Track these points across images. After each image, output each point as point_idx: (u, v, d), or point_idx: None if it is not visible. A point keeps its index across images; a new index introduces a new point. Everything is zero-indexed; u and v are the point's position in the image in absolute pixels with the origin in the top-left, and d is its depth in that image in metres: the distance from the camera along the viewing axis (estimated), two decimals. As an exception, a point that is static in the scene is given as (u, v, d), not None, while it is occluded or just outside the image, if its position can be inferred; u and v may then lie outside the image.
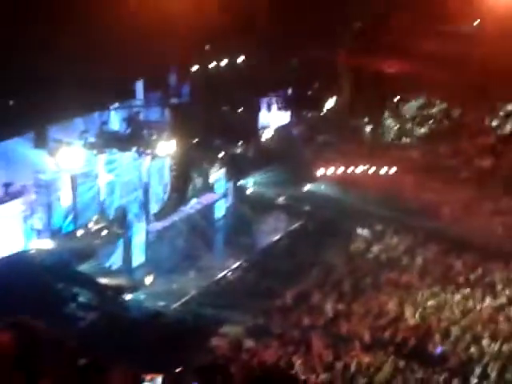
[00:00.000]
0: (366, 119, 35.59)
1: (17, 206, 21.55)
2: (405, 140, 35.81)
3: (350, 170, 32.37)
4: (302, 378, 18.54)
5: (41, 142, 21.83)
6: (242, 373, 15.10)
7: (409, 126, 36.08)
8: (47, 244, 22.31)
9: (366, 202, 29.60)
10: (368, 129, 35.58)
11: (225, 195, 29.21)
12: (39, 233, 22.56)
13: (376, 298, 24.19)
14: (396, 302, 23.81)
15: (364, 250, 27.99)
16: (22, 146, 21.56)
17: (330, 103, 33.17)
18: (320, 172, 32.25)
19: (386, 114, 35.90)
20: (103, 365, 8.58)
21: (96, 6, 20.73)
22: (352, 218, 29.19)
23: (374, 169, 32.58)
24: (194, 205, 27.59)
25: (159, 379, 13.29)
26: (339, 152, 32.82)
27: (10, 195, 21.27)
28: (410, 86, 34.03)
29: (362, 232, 28.99)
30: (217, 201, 28.66)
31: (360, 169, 32.51)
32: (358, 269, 26.35)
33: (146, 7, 22.83)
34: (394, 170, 32.74)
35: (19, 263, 20.46)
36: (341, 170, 32.29)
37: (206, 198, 28.25)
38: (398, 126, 36.04)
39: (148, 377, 13.11)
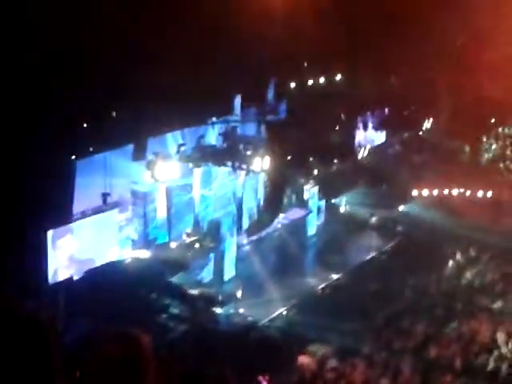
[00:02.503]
0: (464, 141, 35.02)
1: (113, 216, 21.97)
2: (503, 164, 35.05)
3: (445, 192, 31.88)
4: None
5: (139, 153, 22.25)
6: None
7: (508, 148, 35.32)
8: (141, 254, 22.69)
9: (461, 225, 29.06)
10: (466, 150, 34.99)
11: (316, 212, 29.14)
12: (134, 243, 22.97)
13: (468, 324, 23.68)
14: (489, 329, 23.25)
15: (457, 275, 27.46)
16: (121, 158, 22.01)
17: (427, 123, 32.81)
18: (415, 193, 31.88)
19: (485, 136, 35.24)
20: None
21: (200, 20, 21.03)
22: (446, 242, 28.68)
23: (470, 192, 32.00)
24: (281, 220, 27.62)
25: None
26: (435, 173, 32.35)
27: (107, 205, 21.69)
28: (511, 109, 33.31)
29: (456, 256, 28.45)
30: (304, 217, 28.58)
31: (456, 191, 31.99)
32: (450, 293, 25.87)
33: (246, 22, 23.00)
34: (491, 193, 32.07)
35: (113, 272, 20.86)
36: (436, 191, 31.83)
37: (294, 214, 28.25)
38: (496, 148, 35.34)
39: None
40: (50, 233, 19.52)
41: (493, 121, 35.29)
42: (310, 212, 28.67)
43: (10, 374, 3.58)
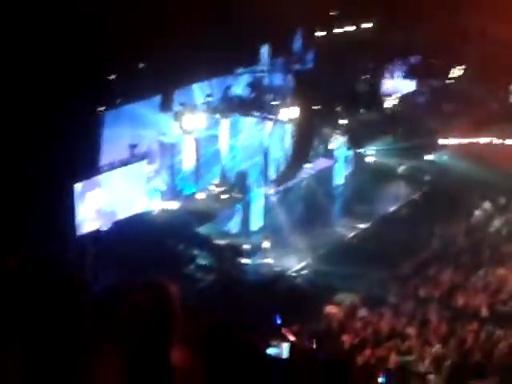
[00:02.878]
0: (494, 88, 34.52)
1: (141, 168, 22.10)
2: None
3: (474, 140, 31.61)
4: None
5: (166, 104, 22.33)
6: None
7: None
8: (169, 205, 22.84)
9: (490, 173, 28.82)
10: (497, 98, 34.49)
11: (344, 162, 29.07)
12: (162, 194, 23.12)
13: (495, 272, 23.67)
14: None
15: (485, 223, 27.37)
16: (148, 109, 22.06)
17: (458, 71, 32.43)
18: (443, 141, 31.66)
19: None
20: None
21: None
22: (474, 190, 28.51)
23: (500, 139, 31.69)
24: (307, 169, 27.58)
25: (286, 345, 13.35)
26: (464, 121, 32.03)
27: (135, 156, 21.82)
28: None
29: (484, 204, 28.31)
30: (331, 167, 28.51)
31: (485, 139, 31.70)
32: (478, 242, 25.82)
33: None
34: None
35: (141, 224, 21.05)
36: (465, 139, 31.58)
37: (320, 164, 28.21)
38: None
39: (274, 343, 13.20)
40: (78, 186, 19.69)
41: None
42: (336, 162, 28.57)
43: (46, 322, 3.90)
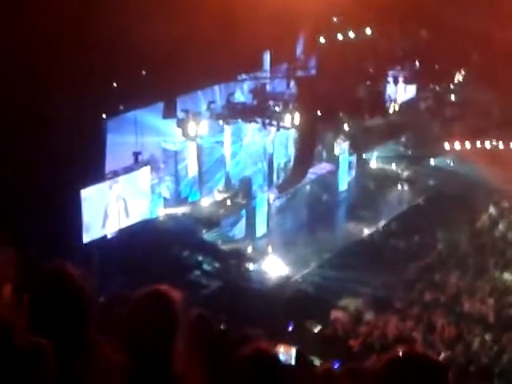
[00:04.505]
0: (496, 93, 34.54)
1: (145, 175, 22.10)
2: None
3: (478, 145, 31.63)
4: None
5: (170, 111, 22.33)
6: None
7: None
8: (174, 212, 22.86)
9: (493, 178, 28.82)
10: (500, 102, 34.50)
11: (347, 167, 29.09)
12: (166, 201, 23.14)
13: (501, 277, 23.65)
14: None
15: (490, 227, 27.36)
16: (151, 116, 22.10)
17: (459, 76, 32.46)
18: (447, 146, 31.68)
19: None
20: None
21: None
22: (478, 194, 28.52)
23: (503, 144, 31.71)
24: (311, 175, 27.62)
25: (293, 351, 13.27)
26: (467, 126, 32.06)
27: (139, 163, 21.82)
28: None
29: (489, 209, 28.31)
30: (333, 172, 28.51)
31: (488, 143, 31.72)
32: (483, 246, 25.80)
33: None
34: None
35: (147, 230, 21.04)
36: (468, 144, 31.59)
37: (321, 168, 28.24)
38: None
39: (282, 349, 13.13)
40: (84, 192, 19.70)
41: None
42: (339, 167, 28.61)
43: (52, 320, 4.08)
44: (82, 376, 4.06)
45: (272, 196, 25.89)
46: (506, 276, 23.67)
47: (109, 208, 20.63)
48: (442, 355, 18.65)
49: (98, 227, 20.34)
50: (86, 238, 19.66)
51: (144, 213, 21.87)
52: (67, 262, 4.45)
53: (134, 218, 21.39)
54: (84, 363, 4.10)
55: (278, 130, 25.30)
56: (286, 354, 12.96)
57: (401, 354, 3.91)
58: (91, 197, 19.89)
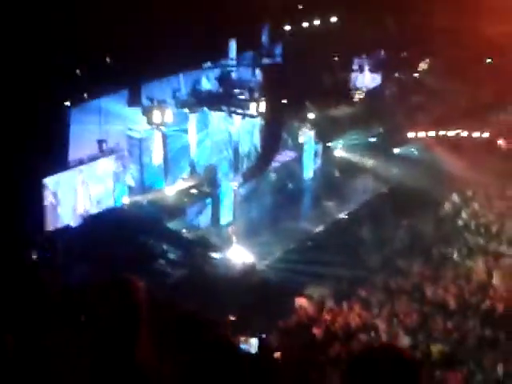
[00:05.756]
0: (461, 81, 34.77)
1: (110, 163, 22.00)
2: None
3: (441, 134, 31.84)
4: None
5: (134, 99, 22.23)
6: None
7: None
8: (138, 200, 22.78)
9: (456, 166, 29.05)
10: (465, 91, 34.72)
11: (313, 156, 29.16)
12: (131, 189, 23.05)
13: (464, 265, 23.86)
14: (484, 269, 23.40)
15: (453, 215, 27.57)
16: (116, 104, 21.98)
17: (424, 65, 32.63)
18: (411, 135, 31.85)
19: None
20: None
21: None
22: (442, 183, 28.70)
23: (466, 133, 31.96)
24: (276, 163, 27.64)
25: (254, 341, 13.33)
26: (431, 115, 32.24)
27: (103, 152, 21.72)
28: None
29: (452, 197, 28.52)
30: (295, 159, 28.53)
31: (452, 132, 31.94)
32: (446, 234, 26.01)
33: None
34: (487, 134, 32.04)
35: (111, 219, 20.97)
36: (432, 133, 31.79)
37: (284, 156, 28.27)
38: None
39: (243, 338, 13.18)
40: (47, 181, 19.58)
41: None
42: (305, 156, 28.66)
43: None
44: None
45: (236, 184, 25.86)
46: (469, 263, 23.87)
47: (73, 196, 20.56)
48: (405, 342, 18.86)
49: (62, 215, 20.26)
50: (55, 225, 19.61)
51: (108, 201, 21.79)
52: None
53: (98, 206, 21.32)
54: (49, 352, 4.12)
55: (243, 118, 25.29)
56: (248, 342, 13.03)
57: (373, 350, 3.83)
58: (55, 185, 19.79)
